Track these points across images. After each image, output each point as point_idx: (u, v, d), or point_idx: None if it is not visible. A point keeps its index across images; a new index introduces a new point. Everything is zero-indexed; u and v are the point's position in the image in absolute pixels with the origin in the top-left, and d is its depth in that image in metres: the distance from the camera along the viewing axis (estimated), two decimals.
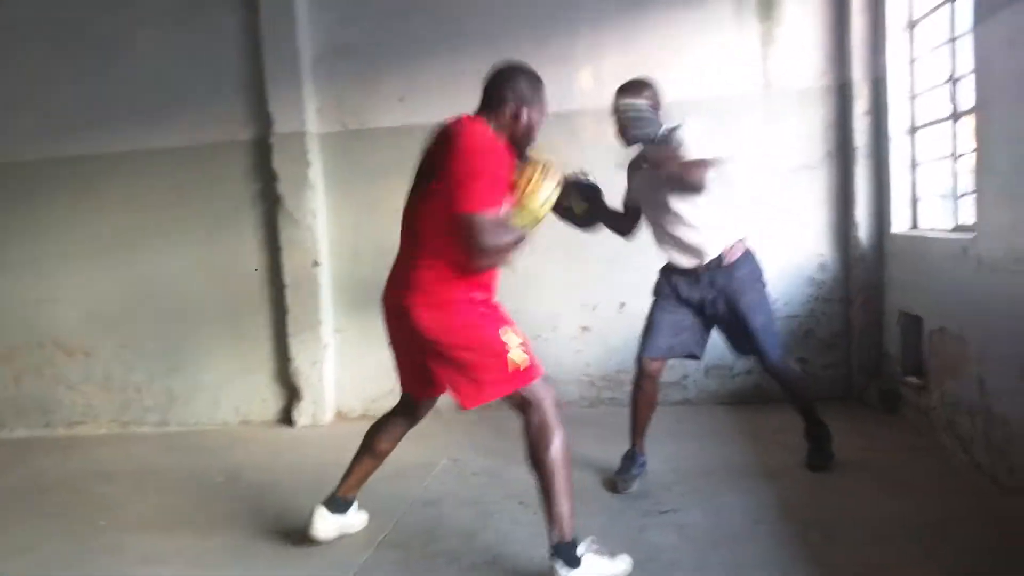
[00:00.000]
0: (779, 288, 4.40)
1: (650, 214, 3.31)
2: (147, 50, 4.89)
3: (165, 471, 4.07)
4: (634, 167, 3.38)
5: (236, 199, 4.86)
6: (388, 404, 4.68)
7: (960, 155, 3.53)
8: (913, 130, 4.05)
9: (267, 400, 4.92)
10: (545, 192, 2.54)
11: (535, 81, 2.65)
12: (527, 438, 2.54)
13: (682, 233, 3.21)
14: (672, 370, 4.50)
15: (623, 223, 3.47)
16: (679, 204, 3.16)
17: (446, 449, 4.00)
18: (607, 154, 4.08)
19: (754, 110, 4.44)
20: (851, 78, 4.27)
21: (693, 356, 3.45)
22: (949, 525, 2.72)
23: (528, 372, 2.54)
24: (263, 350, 4.89)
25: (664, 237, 3.28)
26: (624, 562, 2.52)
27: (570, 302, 4.66)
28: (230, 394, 4.95)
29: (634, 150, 3.35)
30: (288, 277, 4.73)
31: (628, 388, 4.53)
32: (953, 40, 3.52)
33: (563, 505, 2.46)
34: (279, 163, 4.71)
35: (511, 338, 2.54)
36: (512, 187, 2.52)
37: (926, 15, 3.87)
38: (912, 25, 4.02)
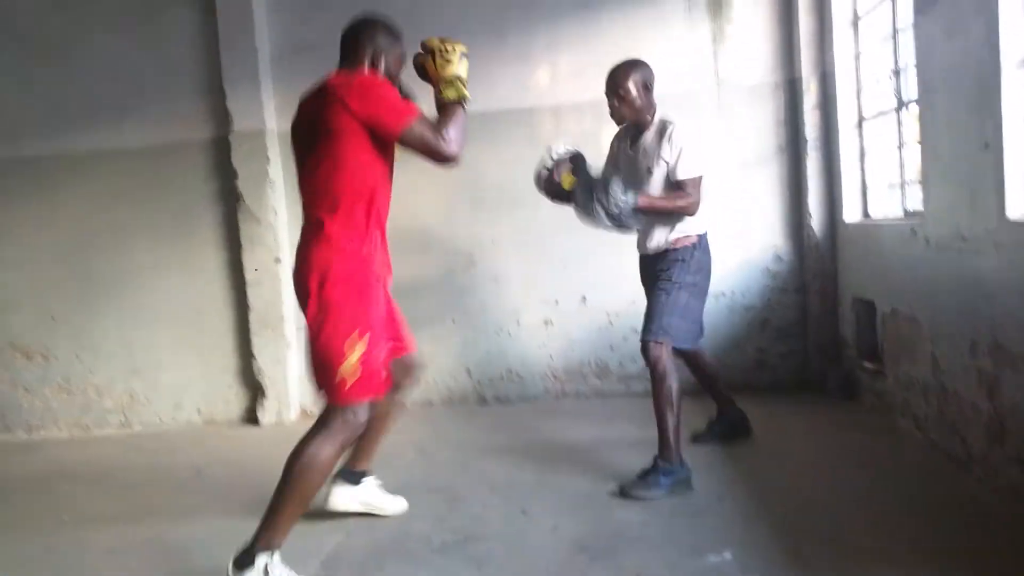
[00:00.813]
0: (736, 280, 4.52)
1: None
2: (103, 51, 4.85)
3: (129, 469, 4.03)
4: (617, 147, 3.43)
5: (196, 198, 4.84)
6: None
7: (906, 144, 3.67)
8: (861, 122, 4.20)
9: (231, 400, 4.89)
10: (455, 59, 2.56)
11: (390, 31, 2.71)
12: (306, 433, 2.48)
13: (652, 226, 3.26)
14: (634, 361, 4.58)
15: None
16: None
17: (412, 441, 4.01)
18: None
19: (707, 106, 4.56)
20: (800, 74, 4.41)
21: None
22: (906, 497, 2.83)
23: (350, 392, 2.44)
24: (225, 349, 4.86)
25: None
26: None
27: (533, 297, 4.72)
28: (193, 394, 4.91)
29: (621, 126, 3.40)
30: (249, 275, 4.72)
31: (592, 381, 4.66)
32: (895, 34, 3.66)
33: (286, 518, 2.41)
34: (239, 161, 4.70)
35: (355, 348, 2.43)
36: (424, 74, 2.59)
37: (869, 12, 4.02)
38: (856, 21, 4.17)
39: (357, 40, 2.67)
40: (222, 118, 4.74)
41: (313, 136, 2.51)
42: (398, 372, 2.85)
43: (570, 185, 3.13)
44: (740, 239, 4.51)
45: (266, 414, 4.75)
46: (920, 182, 3.37)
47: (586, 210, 3.10)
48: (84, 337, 4.98)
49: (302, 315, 2.54)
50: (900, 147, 3.70)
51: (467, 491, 3.24)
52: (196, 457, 4.12)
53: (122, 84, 4.85)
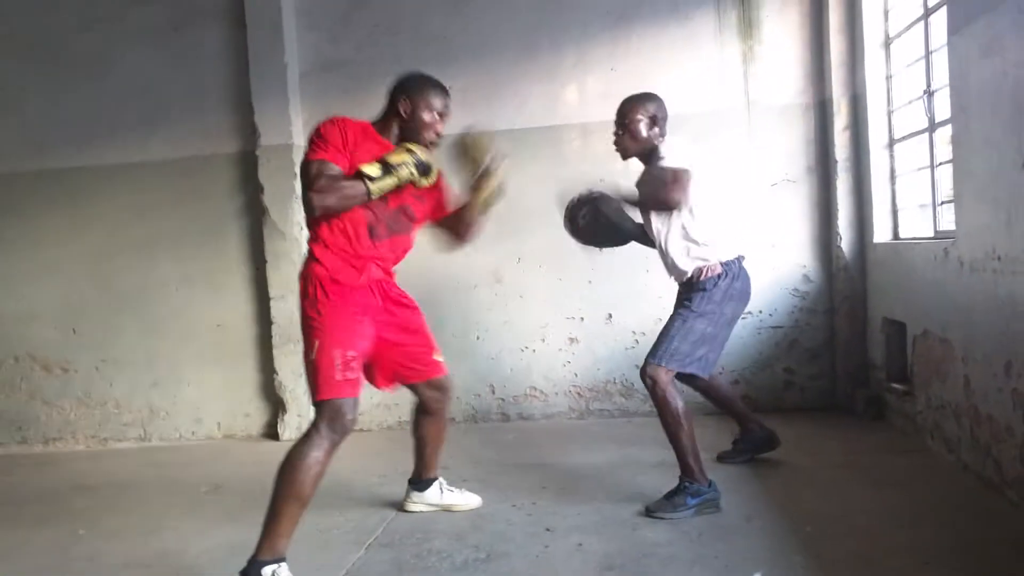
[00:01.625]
0: (764, 300, 4.46)
1: (646, 228, 3.28)
2: (132, 65, 4.90)
3: (146, 483, 4.00)
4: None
5: (222, 212, 4.86)
6: (376, 416, 4.76)
7: (938, 164, 3.62)
8: (891, 143, 4.15)
9: (251, 414, 4.87)
10: (406, 159, 2.62)
11: (423, 80, 2.82)
12: (301, 437, 2.56)
13: (665, 251, 3.19)
14: None
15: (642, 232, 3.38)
16: (660, 229, 3.15)
17: None
18: (592, 168, 4.16)
19: (737, 126, 4.53)
20: (830, 95, 4.38)
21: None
22: (937, 520, 2.75)
23: (336, 387, 2.57)
24: (247, 364, 4.85)
25: (658, 250, 3.25)
26: None
27: (558, 314, 4.68)
28: (213, 408, 4.89)
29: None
30: (274, 289, 4.70)
31: (616, 399, 4.61)
32: (928, 55, 3.63)
33: (283, 522, 2.46)
34: (265, 176, 4.71)
35: (332, 352, 2.59)
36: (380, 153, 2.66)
37: (901, 33, 3.99)
38: (888, 43, 4.14)
39: (392, 92, 2.81)
40: (249, 133, 4.77)
41: None
42: (431, 393, 3.06)
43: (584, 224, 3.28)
44: (769, 259, 4.46)
45: (286, 429, 4.71)
46: (953, 202, 3.32)
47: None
48: (105, 350, 4.98)
49: None
50: (932, 167, 3.66)
51: (490, 508, 3.18)
52: (214, 472, 4.09)
53: (151, 99, 4.89)
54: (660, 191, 2.95)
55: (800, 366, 4.50)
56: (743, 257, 3.23)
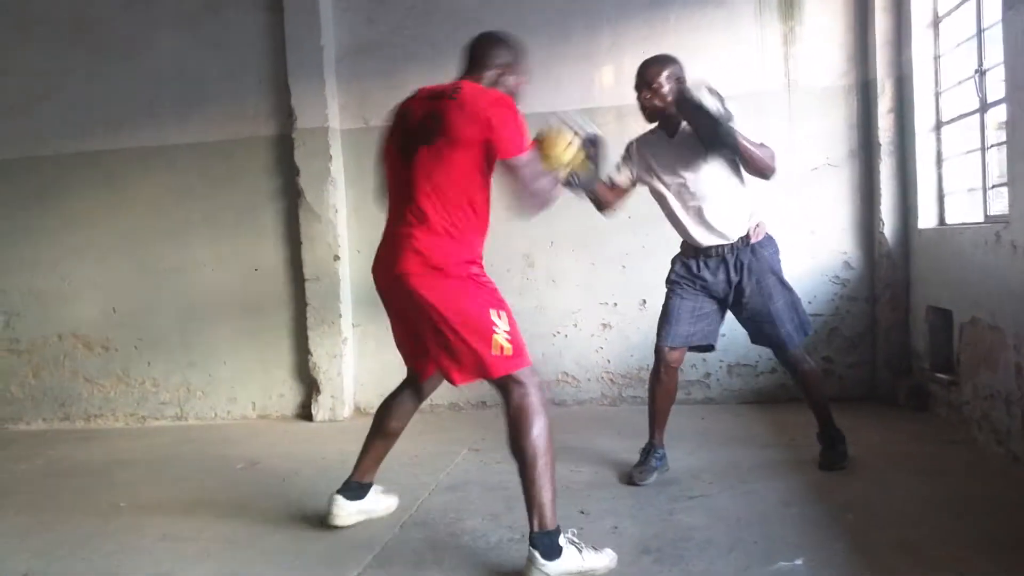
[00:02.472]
0: (804, 287, 4.32)
1: (670, 193, 3.20)
2: (170, 47, 4.93)
3: (183, 459, 4.05)
4: (649, 144, 3.27)
5: (257, 194, 4.88)
6: None
7: (990, 147, 3.51)
8: (939, 126, 4.04)
9: (285, 395, 4.90)
10: (565, 144, 2.60)
11: (517, 49, 2.70)
12: (507, 420, 2.44)
13: (710, 211, 3.13)
14: (695, 368, 4.48)
15: (608, 195, 3.31)
16: (709, 182, 3.10)
17: (467, 440, 3.96)
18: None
19: (777, 108, 4.44)
20: (874, 76, 4.27)
21: (710, 347, 3.36)
22: (985, 511, 2.67)
23: (510, 360, 2.45)
24: (282, 345, 4.88)
25: (687, 217, 3.18)
26: (608, 556, 2.38)
27: (591, 299, 4.64)
28: (248, 388, 4.93)
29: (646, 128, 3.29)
30: (309, 271, 4.72)
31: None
32: (980, 33, 3.51)
33: (545, 493, 2.35)
34: (301, 158, 4.72)
35: (500, 322, 2.46)
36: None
37: (951, 11, 3.87)
38: (937, 22, 4.03)
39: (485, 52, 2.65)
40: (285, 116, 4.78)
41: (429, 136, 2.48)
42: (429, 385, 2.89)
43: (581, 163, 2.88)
44: (809, 245, 4.38)
45: (320, 410, 4.74)
46: (1007, 185, 3.21)
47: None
48: (143, 330, 5.04)
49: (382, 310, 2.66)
50: (983, 150, 3.55)
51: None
52: (249, 450, 4.12)
53: (188, 81, 4.92)
54: (768, 160, 3.00)
55: (839, 355, 4.41)
56: None
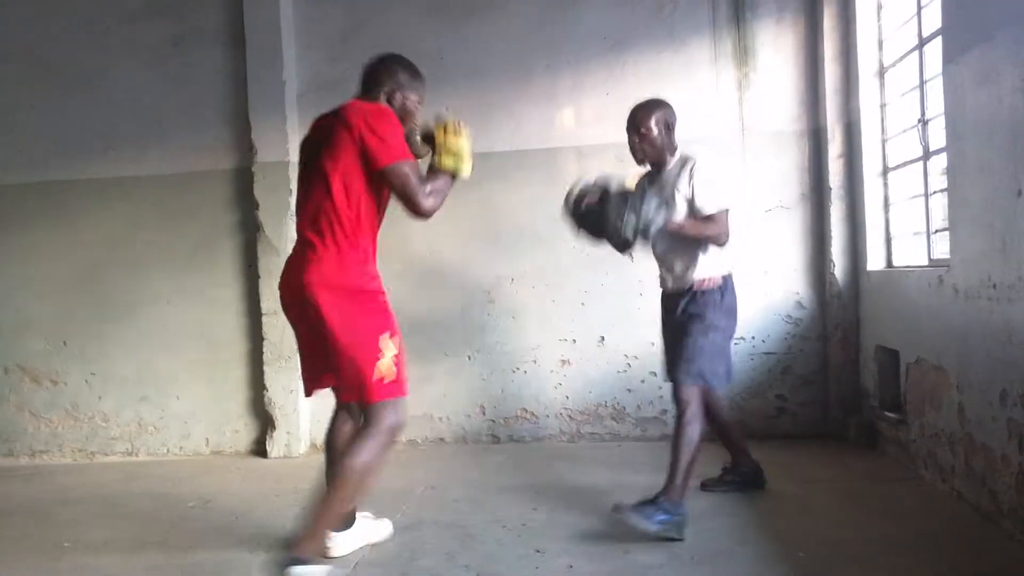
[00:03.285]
0: (757, 326, 4.47)
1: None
2: (129, 80, 4.91)
3: (133, 497, 3.95)
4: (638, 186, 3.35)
5: (216, 227, 4.85)
6: None
7: (932, 193, 3.64)
8: (885, 171, 4.18)
9: (239, 431, 4.83)
10: (463, 135, 2.65)
11: (411, 69, 2.83)
12: (353, 439, 2.57)
13: (671, 259, 3.25)
14: (652, 405, 4.53)
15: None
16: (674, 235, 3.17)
17: (424, 478, 3.93)
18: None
19: (731, 152, 4.55)
20: (825, 122, 4.41)
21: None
22: (931, 549, 2.73)
23: (389, 388, 2.54)
24: (237, 379, 4.82)
25: (658, 260, 3.33)
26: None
27: (550, 336, 4.67)
28: (202, 424, 4.85)
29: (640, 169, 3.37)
30: (266, 305, 4.68)
31: (608, 423, 4.59)
32: (922, 84, 3.67)
33: (333, 518, 2.51)
34: (260, 191, 4.71)
35: (388, 346, 2.54)
36: (428, 139, 2.70)
37: (895, 63, 4.03)
38: (883, 72, 4.19)
39: (377, 74, 2.80)
40: (246, 149, 4.77)
41: (318, 153, 2.62)
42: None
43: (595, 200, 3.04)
44: (762, 285, 4.48)
45: (275, 446, 4.67)
46: (948, 230, 3.33)
47: (614, 218, 2.98)
48: (95, 363, 4.94)
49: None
50: (926, 196, 3.68)
51: (479, 529, 3.15)
52: (202, 488, 4.04)
53: (147, 114, 4.89)
54: (712, 232, 3.11)
55: (792, 393, 4.49)
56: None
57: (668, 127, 3.24)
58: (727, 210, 3.16)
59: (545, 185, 4.52)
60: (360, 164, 2.55)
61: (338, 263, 2.56)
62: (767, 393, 4.50)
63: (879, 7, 4.18)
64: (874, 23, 4.20)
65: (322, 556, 2.49)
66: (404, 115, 2.76)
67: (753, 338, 4.49)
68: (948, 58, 3.19)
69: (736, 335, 4.33)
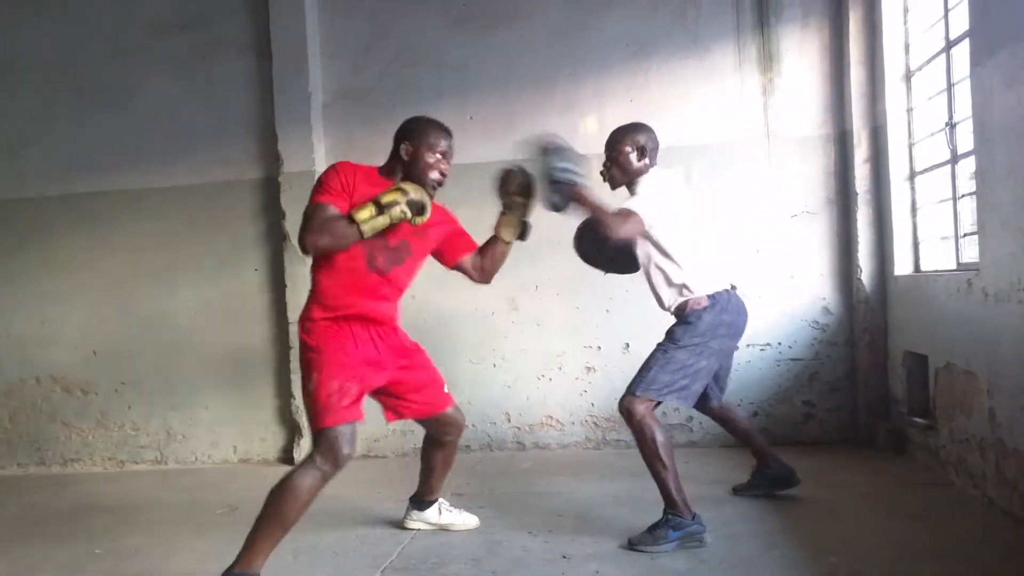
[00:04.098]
0: (783, 332, 4.45)
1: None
2: (158, 93, 4.99)
3: (162, 505, 4.00)
4: None
5: (243, 237, 4.90)
6: (391, 443, 4.73)
7: (960, 196, 3.61)
8: (912, 175, 4.15)
9: (267, 439, 4.86)
10: (397, 198, 2.66)
11: (424, 122, 2.89)
12: (296, 465, 2.65)
13: (649, 283, 3.19)
14: (677, 412, 4.51)
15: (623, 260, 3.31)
16: (643, 253, 3.13)
17: (451, 485, 3.92)
18: (611, 197, 4.15)
19: (756, 158, 4.54)
20: (850, 127, 4.39)
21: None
22: (962, 554, 2.69)
23: (332, 415, 2.63)
24: (265, 388, 4.86)
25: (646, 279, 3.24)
26: None
27: (575, 342, 4.67)
28: (230, 433, 4.90)
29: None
30: (293, 314, 4.72)
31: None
32: (950, 87, 3.64)
33: (263, 541, 2.54)
34: (287, 201, 4.76)
35: (330, 383, 2.65)
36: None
37: (922, 66, 4.00)
38: (909, 76, 4.16)
39: (395, 137, 2.89)
40: (272, 160, 4.83)
41: None
42: (439, 427, 3.14)
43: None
44: (788, 290, 4.46)
45: (301, 454, 4.69)
46: (977, 233, 3.30)
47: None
48: (125, 373, 5.01)
49: None
50: (954, 199, 3.65)
51: (506, 535, 3.15)
52: (230, 494, 4.08)
53: (175, 126, 4.97)
54: (604, 218, 2.94)
55: (820, 399, 4.46)
56: (734, 287, 3.20)
57: (643, 152, 3.12)
58: (640, 217, 2.95)
59: None
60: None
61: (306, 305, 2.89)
62: (794, 399, 4.46)
63: (905, 11, 4.16)
64: (900, 26, 4.17)
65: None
66: (415, 161, 2.80)
67: (780, 344, 4.47)
68: (976, 60, 3.17)
69: (762, 341, 4.42)
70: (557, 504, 3.52)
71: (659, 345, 3.11)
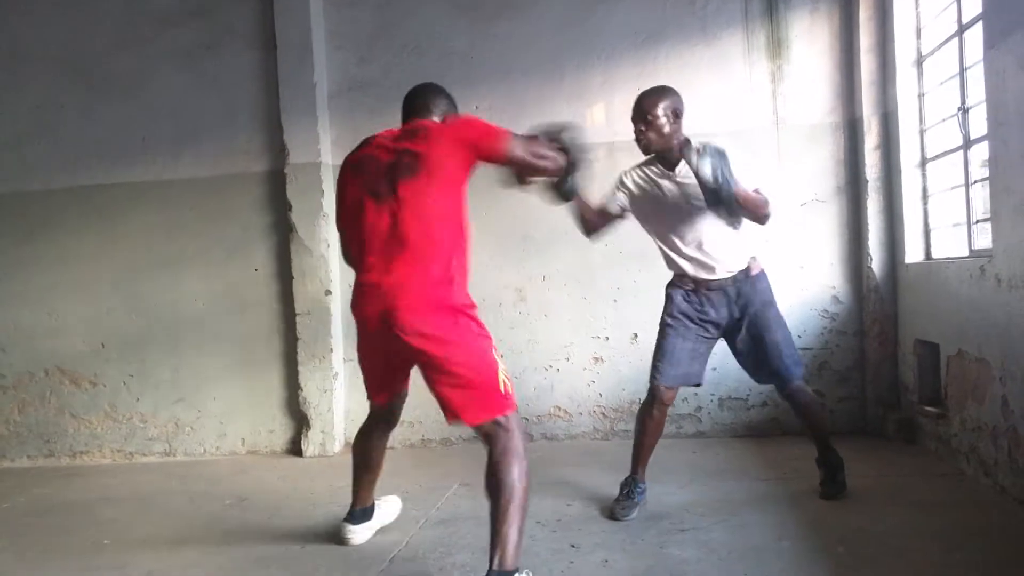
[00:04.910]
0: (792, 321, 4.31)
1: (669, 227, 3.22)
2: (164, 84, 4.97)
3: (170, 496, 4.00)
4: (646, 177, 3.27)
5: (249, 229, 4.89)
6: (399, 434, 4.68)
7: (973, 182, 3.56)
8: (924, 162, 4.10)
9: (275, 430, 4.86)
10: None
11: (452, 99, 2.88)
12: (491, 459, 2.48)
13: (710, 245, 3.15)
14: (686, 402, 4.48)
15: (594, 217, 3.32)
16: (710, 218, 3.09)
17: (457, 475, 3.93)
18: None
19: (766, 145, 4.50)
20: (861, 114, 4.34)
21: (698, 384, 3.37)
22: (975, 543, 2.66)
23: (512, 397, 2.56)
24: (272, 379, 4.85)
25: (688, 251, 3.19)
26: None
27: (583, 333, 4.64)
28: (238, 424, 4.89)
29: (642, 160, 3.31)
30: (300, 306, 4.72)
31: None
32: (962, 72, 3.59)
33: (513, 531, 2.37)
34: (293, 193, 4.74)
35: (499, 359, 2.57)
36: None
37: (934, 51, 3.95)
38: (920, 61, 4.11)
39: (430, 101, 2.81)
40: (278, 151, 4.81)
41: (409, 173, 2.52)
42: (398, 410, 3.05)
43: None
44: (797, 279, 4.42)
45: (310, 445, 4.70)
46: (990, 220, 3.26)
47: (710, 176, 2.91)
48: (133, 365, 5.00)
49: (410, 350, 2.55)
50: (967, 185, 3.60)
51: None
52: (238, 486, 4.08)
53: (181, 118, 4.94)
54: (764, 207, 3.04)
55: (829, 389, 4.42)
56: None
57: (676, 115, 3.13)
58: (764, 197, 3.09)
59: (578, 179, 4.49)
60: (463, 180, 2.58)
61: (441, 287, 2.56)
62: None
63: None
64: (912, 11, 4.12)
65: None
66: None
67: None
68: (989, 43, 3.12)
69: None
70: (565, 494, 3.51)
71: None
